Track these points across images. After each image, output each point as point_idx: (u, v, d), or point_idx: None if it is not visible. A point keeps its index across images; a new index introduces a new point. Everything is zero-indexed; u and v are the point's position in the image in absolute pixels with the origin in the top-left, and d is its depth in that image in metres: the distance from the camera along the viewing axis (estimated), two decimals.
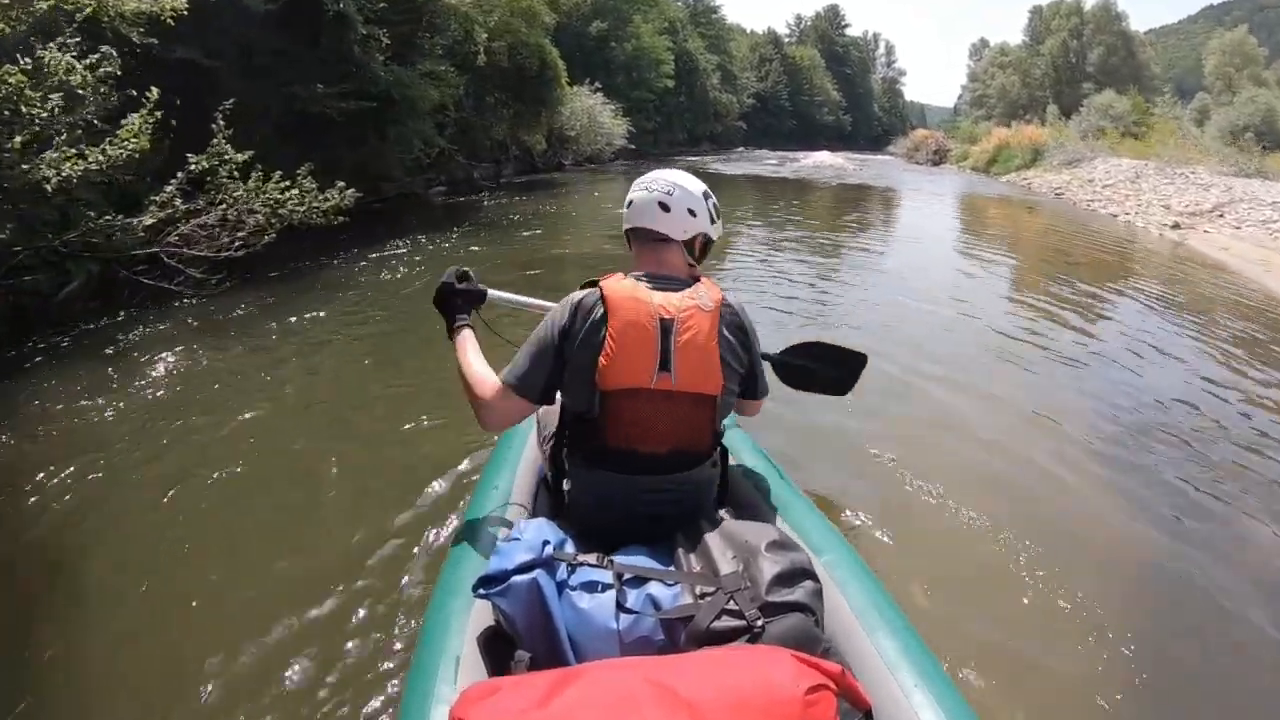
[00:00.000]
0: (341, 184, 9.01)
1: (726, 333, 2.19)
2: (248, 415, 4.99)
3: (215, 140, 7.90)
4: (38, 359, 5.85)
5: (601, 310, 2.12)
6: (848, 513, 3.95)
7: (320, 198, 8.73)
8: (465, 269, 2.65)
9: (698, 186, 2.36)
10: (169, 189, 7.43)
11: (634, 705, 1.31)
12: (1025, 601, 3.40)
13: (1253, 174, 22.69)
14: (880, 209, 22.07)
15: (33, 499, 3.85)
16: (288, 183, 8.48)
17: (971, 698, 1.94)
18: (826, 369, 3.29)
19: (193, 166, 7.60)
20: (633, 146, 35.44)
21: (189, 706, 2.66)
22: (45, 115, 6.41)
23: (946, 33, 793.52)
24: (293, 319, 7.15)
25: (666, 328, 2.09)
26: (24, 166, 6.20)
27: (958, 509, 4.07)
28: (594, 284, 2.19)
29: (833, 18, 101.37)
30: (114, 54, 6.98)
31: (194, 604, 3.17)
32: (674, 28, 54.40)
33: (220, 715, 2.63)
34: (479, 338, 2.50)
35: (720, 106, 64.11)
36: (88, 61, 6.77)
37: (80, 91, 6.71)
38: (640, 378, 2.09)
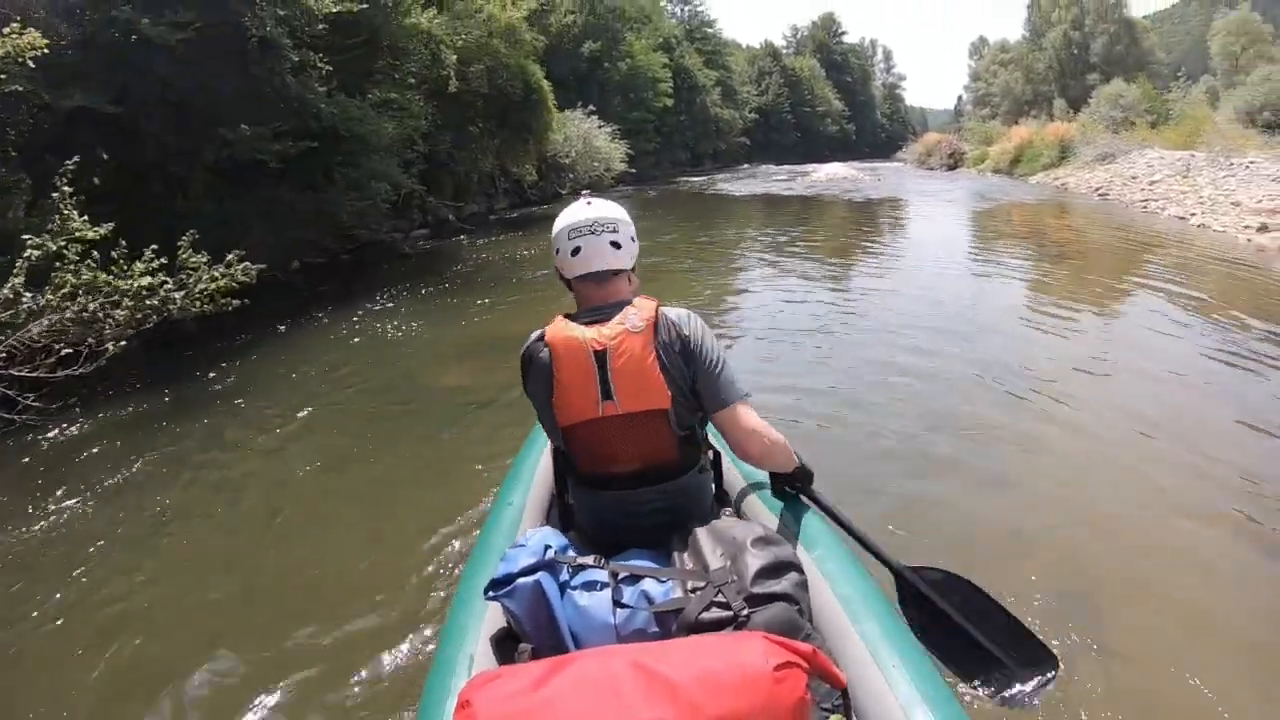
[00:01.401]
0: (234, 255, 6.98)
1: (666, 346, 2.24)
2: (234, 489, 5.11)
3: (59, 212, 5.87)
4: None
5: (547, 354, 2.24)
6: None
7: (209, 276, 6.62)
8: None
9: (624, 211, 2.46)
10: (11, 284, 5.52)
11: (618, 685, 1.42)
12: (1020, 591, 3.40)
13: None
14: (919, 229, 19.34)
15: None
16: (160, 262, 6.38)
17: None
18: (983, 639, 2.47)
19: (31, 252, 5.67)
20: (633, 170, 33.45)
21: (239, 702, 3.09)
22: None
23: (941, 35, 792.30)
24: (245, 400, 6.48)
25: (601, 358, 2.18)
26: None
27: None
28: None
29: (829, 25, 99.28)
30: None
31: (236, 625, 3.60)
32: (669, 45, 52.66)
33: (266, 709, 3.05)
34: None
35: (722, 123, 62.43)
36: None
37: None
38: (588, 411, 2.20)
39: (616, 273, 2.38)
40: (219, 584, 3.93)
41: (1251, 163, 20.34)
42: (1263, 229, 14.14)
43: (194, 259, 6.67)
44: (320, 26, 11.09)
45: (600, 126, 30.27)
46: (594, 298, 2.36)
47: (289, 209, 11.08)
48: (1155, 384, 6.53)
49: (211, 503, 4.85)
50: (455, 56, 15.65)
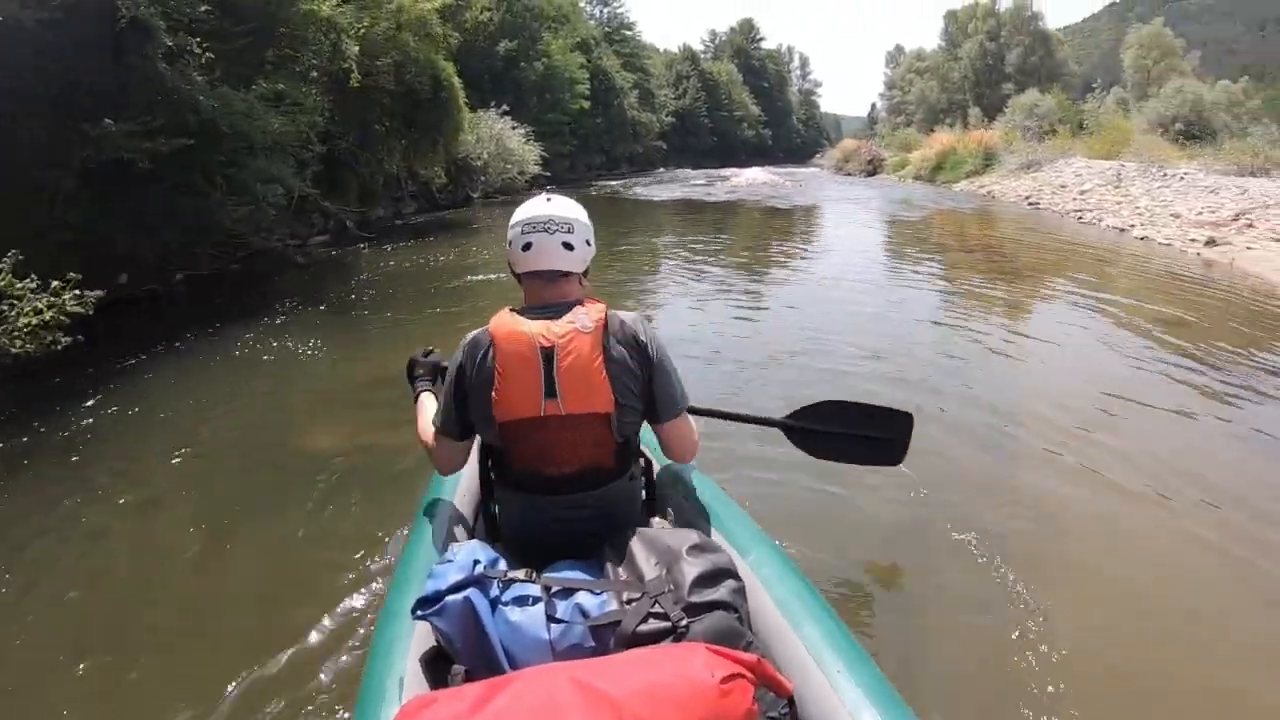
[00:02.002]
0: (62, 280, 5.77)
1: (616, 350, 2.22)
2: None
3: None
4: None
5: (489, 346, 2.19)
6: (778, 515, 3.81)
7: (33, 308, 5.44)
8: (431, 348, 2.94)
9: (584, 212, 2.42)
10: None
11: (559, 704, 1.36)
12: (954, 591, 3.56)
13: (1255, 171, 20.00)
14: (857, 240, 17.84)
15: None
16: None
17: (900, 684, 1.88)
18: (859, 433, 3.24)
19: None
20: (548, 174, 32.29)
21: None
22: None
23: (856, 43, 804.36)
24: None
25: (548, 355, 2.14)
26: None
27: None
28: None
29: (748, 31, 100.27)
30: None
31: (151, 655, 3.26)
32: (587, 46, 51.70)
33: None
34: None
35: (640, 126, 61.63)
36: None
37: None
38: (529, 407, 2.16)
39: (566, 274, 2.34)
40: (104, 642, 3.35)
41: (1185, 174, 20.07)
42: (1210, 243, 13.72)
43: (18, 286, 5.50)
44: (203, 8, 9.86)
45: (514, 128, 29.12)
46: (542, 296, 2.32)
47: (166, 215, 9.79)
48: (1166, 419, 5.93)
49: (83, 558, 4.10)
50: (358, 47, 14.39)
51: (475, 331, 2.26)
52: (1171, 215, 16.58)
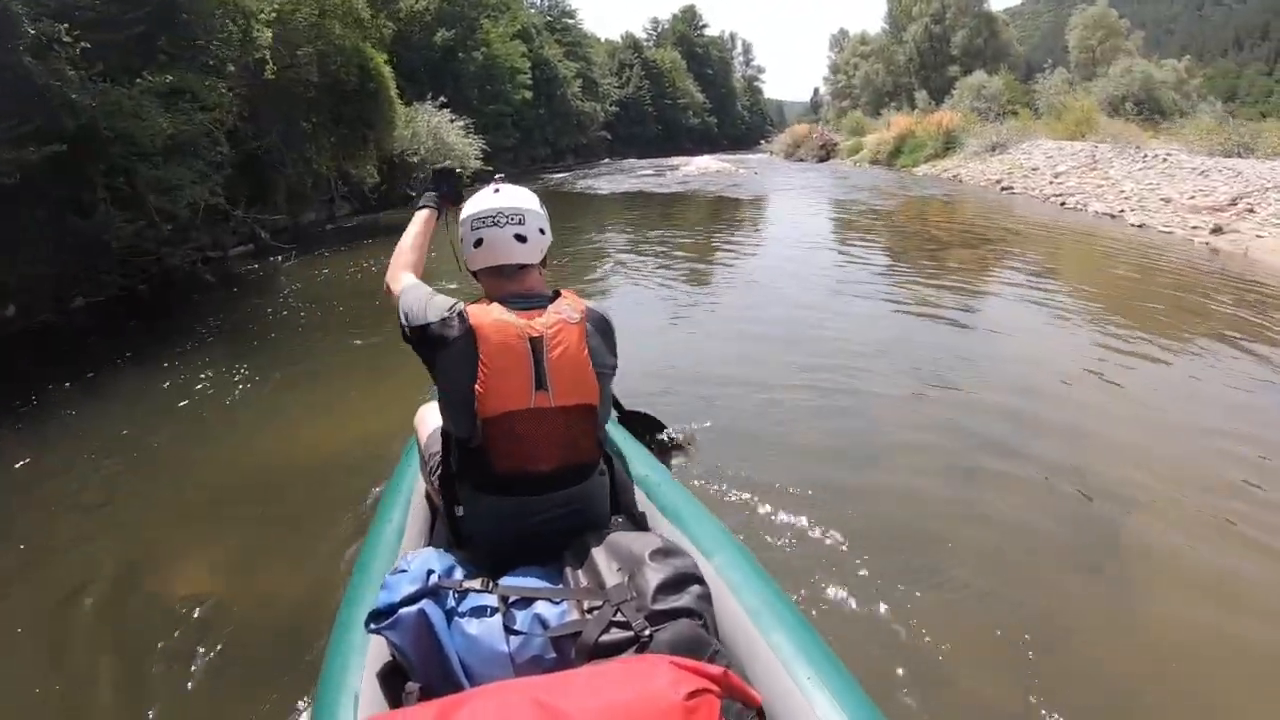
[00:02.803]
0: None
1: (595, 341, 2.18)
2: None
3: None
4: None
5: (468, 334, 2.07)
6: (739, 509, 3.96)
7: None
8: (454, 166, 2.96)
9: (535, 199, 2.36)
10: None
11: None
12: (925, 589, 3.39)
13: (1241, 151, 19.01)
14: (836, 234, 15.93)
15: None
16: None
17: (870, 688, 1.83)
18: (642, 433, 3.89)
19: None
20: (490, 168, 30.73)
21: None
22: None
23: (797, 29, 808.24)
24: None
25: (537, 345, 2.08)
26: None
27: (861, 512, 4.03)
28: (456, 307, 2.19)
29: (690, 18, 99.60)
30: None
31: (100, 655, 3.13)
32: (529, 34, 50.42)
33: None
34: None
35: (584, 116, 60.42)
36: None
37: None
38: (518, 400, 2.08)
39: (523, 267, 2.28)
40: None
41: (1169, 155, 19.05)
42: (1217, 231, 12.66)
43: None
44: None
45: (454, 120, 27.55)
46: (503, 290, 2.23)
47: (47, 234, 8.39)
48: None
49: None
50: (270, 34, 12.89)
51: (447, 316, 2.12)
52: (1162, 200, 15.69)
